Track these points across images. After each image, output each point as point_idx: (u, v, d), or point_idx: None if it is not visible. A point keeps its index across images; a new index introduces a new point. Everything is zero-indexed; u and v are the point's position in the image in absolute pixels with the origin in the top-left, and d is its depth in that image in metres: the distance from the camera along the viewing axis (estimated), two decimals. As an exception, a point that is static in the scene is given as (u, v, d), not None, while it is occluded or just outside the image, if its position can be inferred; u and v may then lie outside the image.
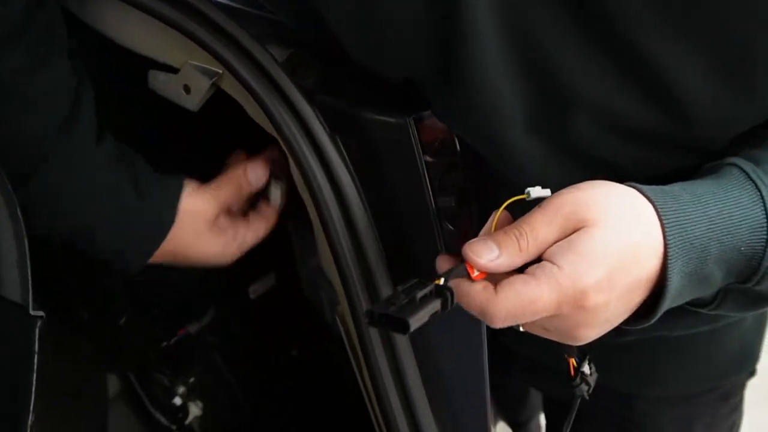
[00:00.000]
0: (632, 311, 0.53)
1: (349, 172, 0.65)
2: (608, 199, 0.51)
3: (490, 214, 0.59)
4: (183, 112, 0.69)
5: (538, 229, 0.51)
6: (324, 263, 0.69)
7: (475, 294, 0.50)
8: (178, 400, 0.95)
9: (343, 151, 0.66)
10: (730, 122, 0.56)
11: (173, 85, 0.65)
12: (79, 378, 0.87)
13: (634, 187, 0.52)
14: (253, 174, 0.76)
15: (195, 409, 0.97)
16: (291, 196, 0.78)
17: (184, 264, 0.74)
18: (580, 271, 0.49)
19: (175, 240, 0.71)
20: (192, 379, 0.97)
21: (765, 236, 0.52)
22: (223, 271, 0.89)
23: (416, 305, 0.47)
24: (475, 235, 0.54)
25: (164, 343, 0.94)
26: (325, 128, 0.64)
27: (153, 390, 0.95)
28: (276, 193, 0.78)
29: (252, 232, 0.77)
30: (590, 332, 0.52)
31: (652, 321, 0.53)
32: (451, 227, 0.67)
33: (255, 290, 1.03)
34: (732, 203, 0.52)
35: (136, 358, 0.95)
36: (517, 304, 0.49)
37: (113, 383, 0.97)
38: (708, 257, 0.52)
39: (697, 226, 0.51)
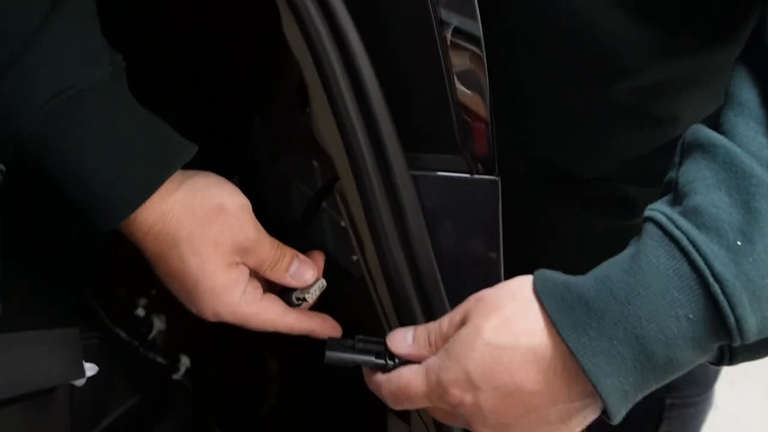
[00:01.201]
0: (555, 419, 0.51)
1: (353, 18, 0.56)
2: (495, 298, 0.52)
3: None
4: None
5: (445, 325, 0.55)
6: (320, 130, 0.61)
7: (376, 377, 0.58)
8: (141, 312, 0.86)
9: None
10: None
11: None
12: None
13: (537, 290, 0.50)
14: (299, 268, 0.63)
15: (159, 323, 0.89)
16: (255, 75, 0.68)
17: (165, 272, 0.58)
18: (443, 367, 0.52)
19: (178, 215, 0.56)
20: (154, 291, 0.88)
21: (701, 291, 0.45)
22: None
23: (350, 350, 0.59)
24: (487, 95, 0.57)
25: (120, 250, 0.84)
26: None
27: (111, 303, 0.85)
28: (310, 296, 0.64)
29: (264, 311, 0.62)
30: (486, 430, 0.53)
31: (614, 421, 0.50)
32: (464, 88, 0.60)
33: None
34: (647, 270, 0.46)
35: (90, 269, 0.85)
36: (395, 387, 0.56)
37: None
38: (647, 344, 0.46)
39: (606, 316, 0.46)
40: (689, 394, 0.95)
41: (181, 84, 0.87)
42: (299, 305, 0.64)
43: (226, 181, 0.60)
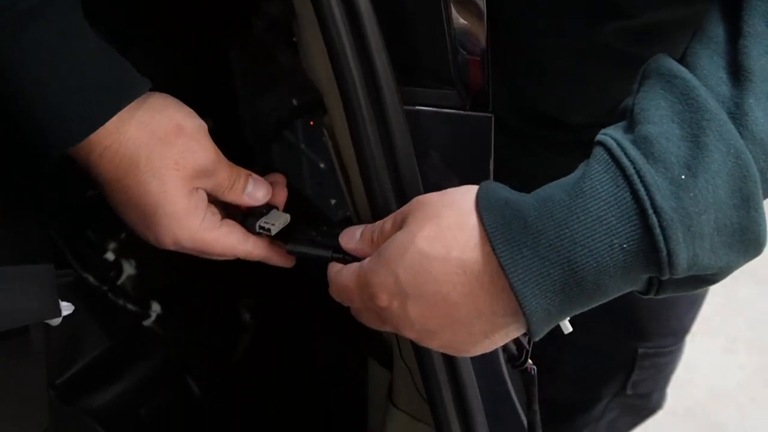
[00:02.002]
0: (478, 331, 0.51)
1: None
2: (435, 206, 0.51)
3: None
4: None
5: (388, 224, 0.55)
6: (310, 63, 0.58)
7: (329, 269, 0.58)
8: (110, 256, 0.83)
9: None
10: None
11: None
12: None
13: (478, 203, 0.49)
14: (254, 187, 0.60)
15: (129, 268, 0.86)
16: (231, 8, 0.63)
17: (122, 199, 0.55)
18: (372, 269, 0.52)
19: (135, 135, 0.53)
20: (123, 234, 0.84)
21: (638, 222, 0.44)
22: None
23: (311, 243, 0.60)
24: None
25: (89, 192, 0.81)
26: None
27: (78, 246, 0.82)
28: (275, 228, 0.62)
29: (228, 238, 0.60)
30: (411, 335, 0.53)
31: (535, 338, 0.50)
32: (461, 21, 0.58)
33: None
34: (590, 195, 0.45)
35: (56, 211, 0.81)
36: (335, 286, 0.56)
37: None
38: (578, 269, 0.45)
39: (543, 236, 0.46)
40: (663, 344, 0.96)
41: (152, 19, 0.82)
42: (260, 234, 0.62)
43: (182, 103, 0.58)
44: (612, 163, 0.46)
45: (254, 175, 0.61)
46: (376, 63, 0.55)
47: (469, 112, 0.60)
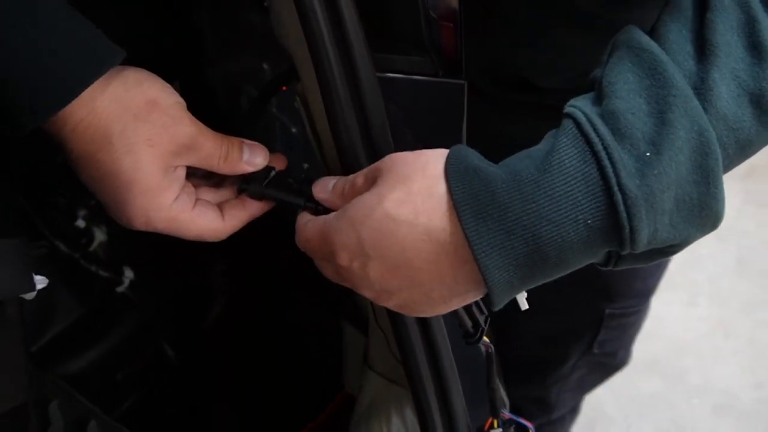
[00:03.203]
0: (437, 296, 0.51)
1: None
2: (407, 168, 0.50)
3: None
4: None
5: (359, 179, 0.54)
6: (281, 28, 0.58)
7: (298, 218, 0.58)
8: (81, 223, 0.82)
9: None
10: None
11: None
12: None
13: (447, 169, 0.49)
14: (251, 153, 0.59)
15: (100, 234, 0.85)
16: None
17: (94, 176, 0.53)
18: (336, 227, 0.52)
19: (109, 110, 0.51)
20: (94, 201, 0.83)
21: (603, 199, 0.45)
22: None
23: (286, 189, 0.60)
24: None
25: (58, 158, 0.79)
26: None
27: (49, 214, 0.81)
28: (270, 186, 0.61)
29: (208, 215, 0.59)
30: (369, 294, 0.53)
31: (495, 308, 0.51)
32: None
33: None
34: (557, 170, 0.46)
35: (25, 178, 0.80)
36: (300, 237, 0.56)
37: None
38: (542, 243, 0.46)
39: (509, 210, 0.46)
40: (629, 305, 0.98)
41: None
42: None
43: (159, 78, 0.56)
44: (580, 137, 0.46)
45: (247, 141, 0.60)
46: (349, 29, 0.55)
47: (442, 79, 0.60)
